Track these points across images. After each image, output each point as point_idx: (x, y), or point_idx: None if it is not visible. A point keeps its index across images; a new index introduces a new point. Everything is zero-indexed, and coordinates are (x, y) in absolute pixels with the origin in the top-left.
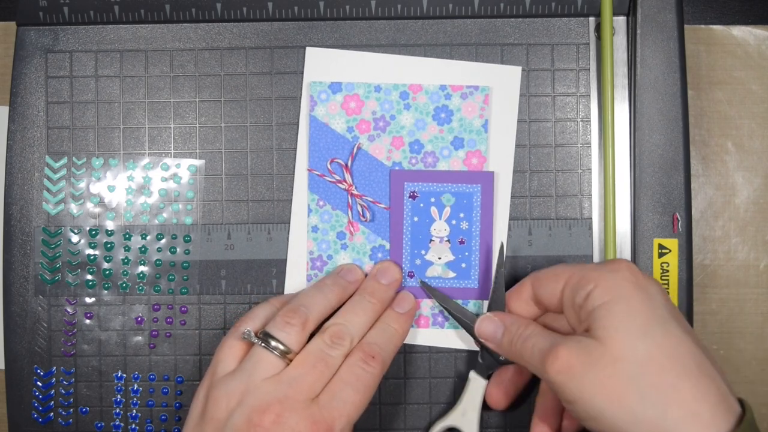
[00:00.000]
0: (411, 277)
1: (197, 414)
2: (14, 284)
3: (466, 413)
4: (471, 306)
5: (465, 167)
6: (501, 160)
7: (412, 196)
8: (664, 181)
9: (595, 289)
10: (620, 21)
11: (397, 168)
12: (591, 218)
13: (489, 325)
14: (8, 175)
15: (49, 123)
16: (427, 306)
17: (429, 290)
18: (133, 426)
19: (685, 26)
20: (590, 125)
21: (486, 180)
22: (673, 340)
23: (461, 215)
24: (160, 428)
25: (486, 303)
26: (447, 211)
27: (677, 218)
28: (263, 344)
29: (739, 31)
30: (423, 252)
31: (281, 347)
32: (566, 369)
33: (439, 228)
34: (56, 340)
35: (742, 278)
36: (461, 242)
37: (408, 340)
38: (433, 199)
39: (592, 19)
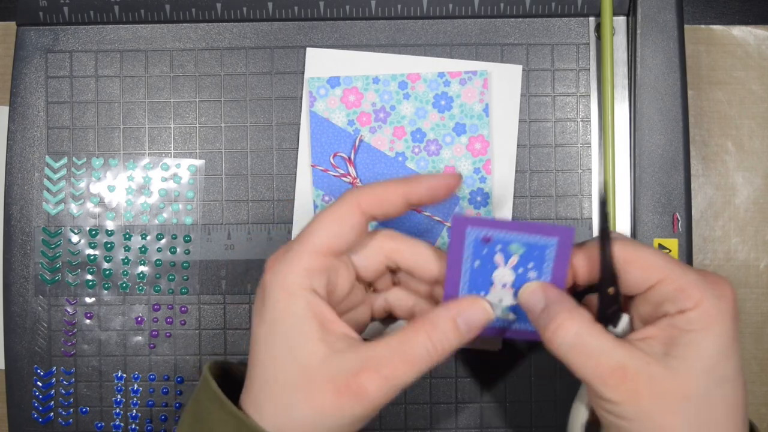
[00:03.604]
0: None
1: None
2: (14, 284)
3: None
4: None
5: (469, 152)
6: (502, 160)
7: (486, 240)
8: (664, 181)
9: (693, 310)
10: (620, 21)
11: (400, 158)
12: (591, 218)
13: (530, 298)
14: (8, 175)
15: (49, 123)
16: None
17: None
18: (133, 426)
19: (685, 26)
20: (590, 125)
21: (565, 235)
22: (738, 387)
23: (530, 265)
24: (160, 428)
25: None
26: (514, 259)
27: (677, 218)
28: None
29: (739, 31)
30: (482, 294)
31: None
32: (630, 395)
33: (502, 274)
34: (56, 340)
35: (742, 278)
36: None
37: None
38: (499, 246)
39: (592, 19)
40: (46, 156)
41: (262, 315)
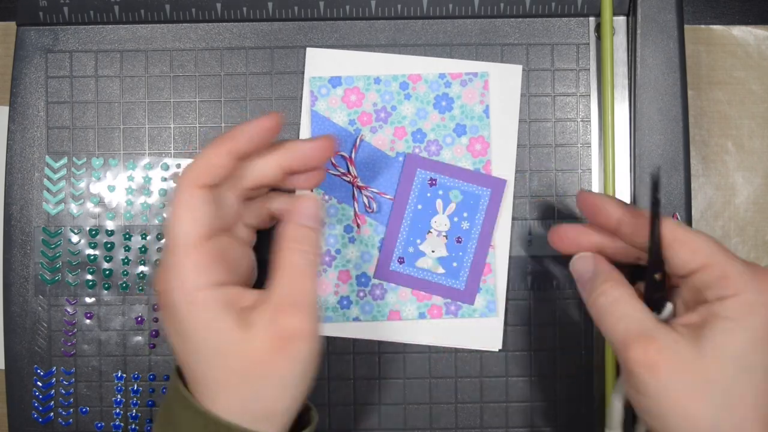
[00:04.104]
0: (401, 262)
1: None
2: (14, 284)
3: None
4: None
5: (469, 153)
6: (502, 160)
7: (431, 183)
8: (664, 181)
9: (733, 298)
10: (620, 21)
11: (401, 158)
12: None
13: (581, 265)
14: (8, 175)
15: (49, 123)
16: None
17: None
18: (133, 426)
19: (685, 26)
20: (590, 125)
21: (497, 186)
22: (766, 383)
23: (465, 214)
24: None
25: (466, 307)
26: (452, 206)
27: (677, 218)
28: None
29: (739, 31)
30: (418, 241)
31: None
32: (651, 365)
33: (440, 221)
34: (56, 340)
35: None
36: (458, 240)
37: (411, 340)
38: (441, 192)
39: (592, 19)
40: (46, 156)
41: (179, 332)
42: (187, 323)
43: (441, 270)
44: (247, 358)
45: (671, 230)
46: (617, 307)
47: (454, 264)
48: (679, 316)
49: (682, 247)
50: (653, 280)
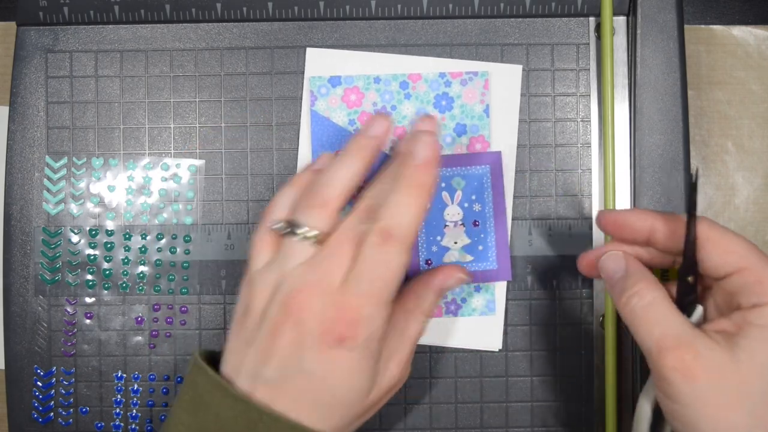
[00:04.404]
0: (429, 264)
1: (242, 310)
2: (14, 284)
3: None
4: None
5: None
6: (503, 157)
7: None
8: (664, 181)
9: None
10: (620, 21)
11: None
12: (591, 218)
13: (611, 264)
14: (8, 175)
15: (49, 123)
16: None
17: None
18: (133, 426)
19: (685, 26)
20: (590, 125)
21: (494, 160)
22: None
23: (473, 197)
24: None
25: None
26: (458, 194)
27: None
28: (291, 232)
29: (739, 31)
30: (438, 238)
31: (308, 233)
32: (687, 372)
33: (452, 212)
34: (56, 340)
35: None
36: (475, 224)
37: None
38: (443, 184)
39: (592, 19)
40: (46, 156)
41: (321, 366)
42: (346, 361)
43: (469, 258)
44: (368, 402)
45: (705, 230)
46: (652, 310)
47: (480, 247)
48: (711, 321)
49: (715, 248)
50: (685, 282)
